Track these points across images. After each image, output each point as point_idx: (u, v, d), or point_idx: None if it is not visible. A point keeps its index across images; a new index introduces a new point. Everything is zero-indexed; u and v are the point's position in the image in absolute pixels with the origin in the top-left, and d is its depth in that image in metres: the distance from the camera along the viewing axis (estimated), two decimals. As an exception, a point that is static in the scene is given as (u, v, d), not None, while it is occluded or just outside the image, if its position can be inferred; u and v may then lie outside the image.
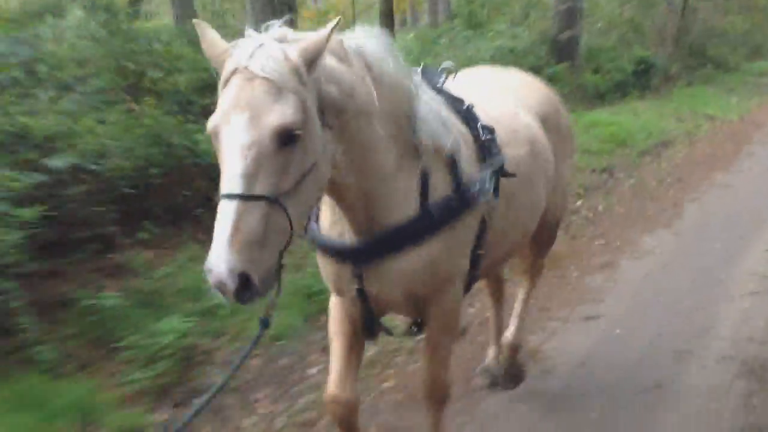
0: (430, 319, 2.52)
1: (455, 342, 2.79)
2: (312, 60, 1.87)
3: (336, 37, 2.05)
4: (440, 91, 2.53)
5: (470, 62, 12.06)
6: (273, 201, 1.78)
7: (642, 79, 14.18)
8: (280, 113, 1.78)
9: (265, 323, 2.02)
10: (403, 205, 2.22)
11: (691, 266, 5.34)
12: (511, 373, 3.62)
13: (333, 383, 2.52)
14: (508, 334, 3.62)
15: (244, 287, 1.74)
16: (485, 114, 2.60)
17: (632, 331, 4.26)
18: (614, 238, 6.08)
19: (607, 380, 3.71)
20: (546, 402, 3.58)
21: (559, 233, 6.15)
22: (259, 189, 1.76)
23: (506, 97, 3.02)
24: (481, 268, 2.63)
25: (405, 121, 2.22)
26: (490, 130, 2.52)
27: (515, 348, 3.61)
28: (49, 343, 3.46)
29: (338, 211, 2.26)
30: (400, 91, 2.22)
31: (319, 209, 2.41)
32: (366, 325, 2.49)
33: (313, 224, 2.41)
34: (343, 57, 2.08)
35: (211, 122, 1.84)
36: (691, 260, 5.49)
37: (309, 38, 1.89)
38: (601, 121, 10.72)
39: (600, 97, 13.16)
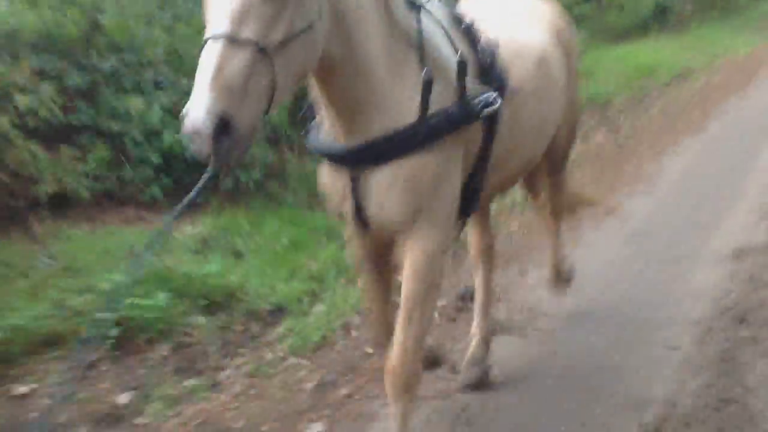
0: (406, 262, 2.26)
1: (432, 310, 2.36)
2: None
3: None
4: (440, 8, 2.44)
5: None
6: (260, 49, 1.71)
7: (659, 20, 15.46)
8: None
9: (215, 173, 1.82)
10: (400, 112, 2.13)
11: (718, 158, 6.89)
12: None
13: (374, 331, 2.50)
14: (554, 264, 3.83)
15: (223, 132, 1.65)
16: (492, 30, 2.53)
17: (679, 198, 5.83)
18: (655, 144, 7.57)
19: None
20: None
21: (610, 141, 7.65)
22: (247, 33, 1.70)
23: (518, 13, 2.99)
24: (488, 187, 2.55)
25: (409, 32, 2.17)
26: (493, 50, 2.43)
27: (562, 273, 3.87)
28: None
29: (333, 110, 2.16)
30: (409, 6, 2.20)
31: (319, 118, 2.32)
32: (364, 232, 2.37)
33: (313, 134, 2.34)
34: None
35: None
36: (718, 155, 7.04)
37: None
38: (628, 55, 12.09)
39: (623, 35, 14.44)
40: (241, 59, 1.67)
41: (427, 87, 2.12)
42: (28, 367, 3.14)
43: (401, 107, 2.13)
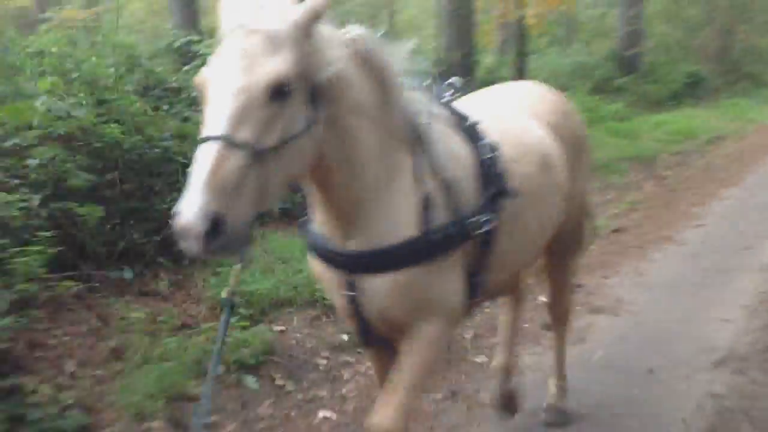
0: (404, 349, 2.33)
1: (424, 383, 2.44)
2: (313, 20, 1.87)
3: (354, 35, 2.07)
4: (445, 107, 2.46)
5: (553, 73, 14.88)
6: (255, 152, 1.74)
7: (692, 90, 17.00)
8: (276, 65, 1.78)
9: (230, 305, 2.04)
10: (398, 222, 2.16)
11: (756, 202, 8.20)
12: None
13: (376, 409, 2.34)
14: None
15: (215, 231, 1.67)
16: (493, 130, 2.51)
17: (725, 230, 7.11)
18: (700, 192, 8.88)
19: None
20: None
21: (658, 191, 8.95)
22: (243, 136, 1.73)
23: (517, 111, 2.93)
24: (485, 290, 2.53)
25: (405, 137, 2.19)
26: (494, 149, 2.41)
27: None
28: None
29: (327, 211, 2.20)
30: (409, 109, 2.19)
31: (312, 210, 2.33)
32: (361, 332, 2.41)
33: (309, 224, 2.36)
34: (353, 52, 2.06)
35: (203, 72, 1.83)
36: (755, 199, 8.36)
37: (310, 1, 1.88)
38: (666, 121, 13.56)
39: (658, 104, 15.96)
40: (235, 161, 1.70)
41: (426, 202, 2.15)
42: (275, 315, 4.51)
43: (399, 217, 2.15)
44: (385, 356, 2.55)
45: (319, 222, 2.28)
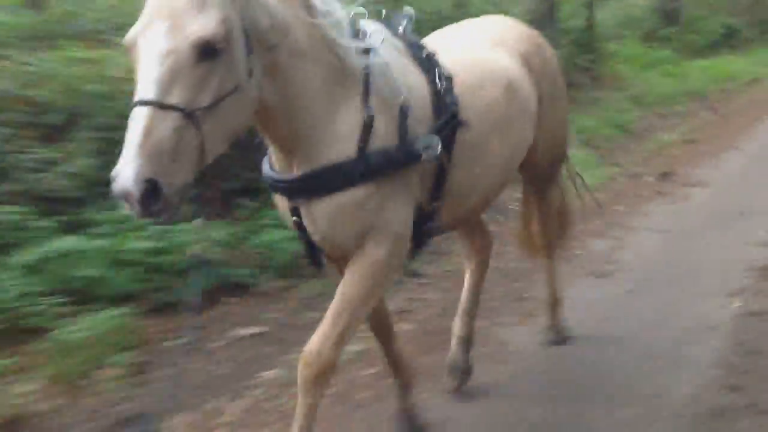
0: (347, 270, 2.35)
1: (364, 313, 2.42)
2: None
3: None
4: (402, 38, 2.51)
5: (601, 24, 16.57)
6: (187, 114, 1.74)
7: (728, 40, 18.79)
8: (202, 24, 1.76)
9: (200, 258, 2.12)
10: (339, 148, 2.19)
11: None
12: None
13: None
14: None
15: (151, 195, 1.69)
16: (455, 60, 2.59)
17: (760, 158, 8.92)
18: (747, 117, 10.83)
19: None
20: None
21: (710, 119, 10.85)
22: (174, 98, 1.73)
23: (484, 42, 2.99)
24: (446, 218, 2.60)
25: (353, 68, 2.21)
26: (449, 78, 2.47)
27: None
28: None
29: (272, 144, 2.27)
30: (356, 43, 2.22)
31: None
32: (309, 254, 2.47)
33: (264, 162, 2.42)
34: None
35: (130, 33, 1.82)
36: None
37: None
38: (708, 66, 15.41)
39: (699, 52, 17.76)
40: (168, 125, 1.71)
41: (367, 125, 2.18)
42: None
43: (341, 143, 2.18)
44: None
45: (271, 156, 2.36)
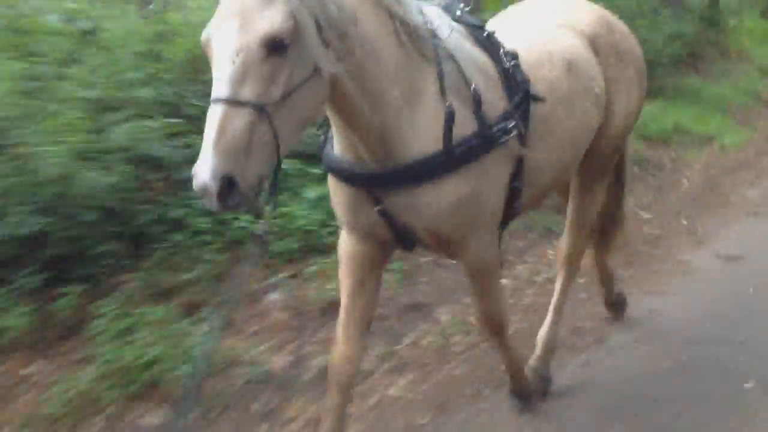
0: (463, 262, 2.61)
1: (498, 276, 2.79)
2: None
3: None
4: (460, 20, 2.53)
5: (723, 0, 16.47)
6: (259, 109, 1.81)
7: None
8: (269, 20, 1.83)
9: (261, 239, 2.25)
10: (423, 141, 2.24)
11: None
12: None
13: (337, 337, 2.64)
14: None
15: (228, 191, 1.79)
16: (516, 39, 2.64)
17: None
18: None
19: None
20: None
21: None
22: (245, 95, 1.81)
23: (546, 21, 3.00)
24: (525, 199, 2.65)
25: (425, 56, 2.25)
26: (513, 56, 2.51)
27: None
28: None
29: (351, 137, 2.25)
30: (424, 30, 2.26)
31: (331, 134, 2.41)
32: (399, 239, 2.50)
33: (328, 148, 2.44)
34: None
35: (204, 32, 1.91)
36: None
37: None
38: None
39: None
40: (241, 121, 1.79)
41: (449, 118, 2.22)
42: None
43: (424, 136, 2.24)
44: (362, 286, 2.64)
45: (341, 145, 2.35)
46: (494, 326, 2.85)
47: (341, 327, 2.68)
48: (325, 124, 2.46)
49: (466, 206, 2.35)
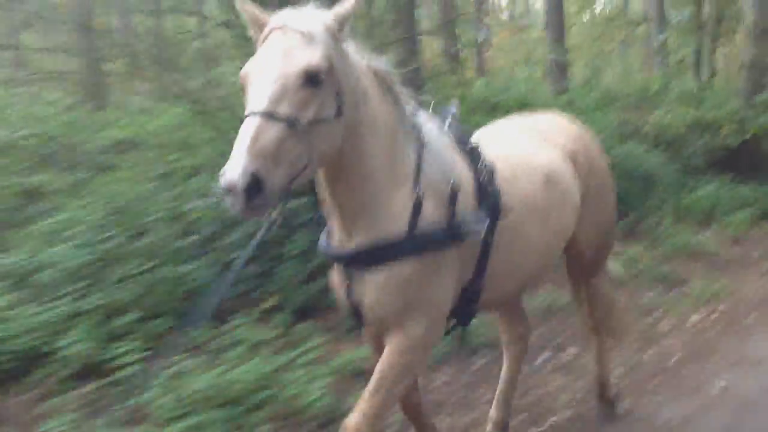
0: (388, 344, 2.51)
1: (401, 389, 2.56)
2: (343, 22, 2.24)
3: (374, 62, 2.46)
4: (449, 131, 2.75)
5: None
6: (291, 125, 2.04)
7: None
8: (309, 56, 2.14)
9: (272, 225, 2.45)
10: (393, 223, 2.42)
11: None
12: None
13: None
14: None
15: (255, 190, 1.95)
16: (496, 152, 2.83)
17: None
18: None
19: None
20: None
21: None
22: (281, 110, 2.05)
23: (530, 138, 3.23)
24: (486, 300, 2.78)
25: (410, 153, 2.49)
26: (491, 171, 2.71)
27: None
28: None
29: (337, 214, 2.48)
30: (416, 131, 2.53)
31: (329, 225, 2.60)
32: (355, 321, 2.66)
33: (323, 235, 2.67)
34: (372, 72, 2.46)
35: (245, 68, 2.17)
36: None
37: (341, 5, 2.25)
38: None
39: None
40: (274, 131, 2.03)
41: (417, 206, 2.43)
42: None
43: (394, 218, 2.44)
44: (380, 342, 2.69)
45: (329, 226, 2.61)
46: None
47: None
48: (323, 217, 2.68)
49: (412, 292, 2.46)
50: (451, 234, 2.50)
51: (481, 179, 2.68)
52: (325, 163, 2.32)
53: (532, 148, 3.15)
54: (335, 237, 2.57)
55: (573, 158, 3.29)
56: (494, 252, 2.70)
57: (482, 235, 2.59)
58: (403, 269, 2.43)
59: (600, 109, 9.78)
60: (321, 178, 2.44)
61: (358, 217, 2.45)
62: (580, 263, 3.58)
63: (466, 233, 2.53)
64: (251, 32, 2.32)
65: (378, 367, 2.52)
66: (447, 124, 2.82)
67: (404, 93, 2.56)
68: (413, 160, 2.51)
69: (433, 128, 2.65)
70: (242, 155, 1.97)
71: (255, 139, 2.00)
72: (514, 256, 2.83)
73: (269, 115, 2.04)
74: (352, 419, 2.47)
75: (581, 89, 11.59)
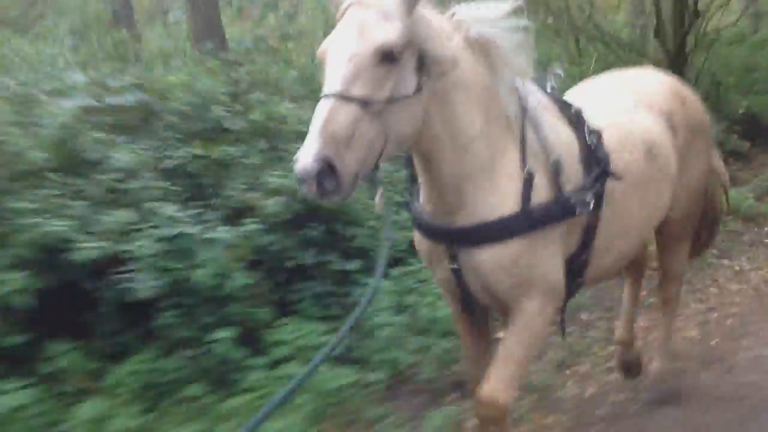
0: (509, 323, 2.52)
1: (528, 362, 2.63)
2: None
3: (462, 17, 2.29)
4: (550, 94, 2.60)
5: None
6: (364, 106, 1.98)
7: None
8: (385, 32, 2.05)
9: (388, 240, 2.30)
10: (500, 201, 2.31)
11: None
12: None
13: (473, 379, 2.70)
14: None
15: (327, 174, 1.92)
16: (598, 117, 2.66)
17: None
18: None
19: None
20: None
21: None
22: (355, 91, 1.99)
23: (625, 98, 3.03)
24: (588, 275, 2.70)
25: (511, 120, 2.35)
26: (598, 135, 2.57)
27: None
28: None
29: (431, 187, 2.38)
30: (516, 94, 2.37)
31: (417, 187, 2.50)
32: (464, 301, 2.60)
33: (414, 201, 2.54)
34: (460, 33, 2.27)
35: (322, 45, 2.13)
36: None
37: None
38: None
39: None
40: (347, 114, 1.96)
41: (527, 180, 2.31)
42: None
43: (503, 193, 2.32)
44: (476, 328, 2.75)
45: (424, 198, 2.47)
46: (493, 416, 2.50)
47: (477, 374, 2.69)
48: (412, 179, 2.57)
49: (525, 269, 2.38)
50: (565, 208, 2.41)
51: (589, 144, 2.55)
52: (407, 142, 2.23)
53: (631, 113, 2.97)
54: (434, 212, 2.45)
55: (671, 120, 3.10)
56: (600, 224, 2.60)
57: (590, 209, 2.47)
58: (515, 247, 2.35)
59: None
60: (415, 153, 2.36)
61: (460, 191, 2.34)
62: (667, 231, 3.35)
63: (580, 205, 2.43)
64: (331, 7, 2.24)
65: (503, 343, 2.53)
66: (549, 87, 2.68)
67: (502, 55, 2.33)
68: (516, 128, 2.38)
69: (535, 93, 2.50)
70: (314, 140, 1.94)
71: (327, 122, 1.96)
72: (617, 228, 2.72)
73: (342, 97, 1.99)
74: (487, 389, 2.47)
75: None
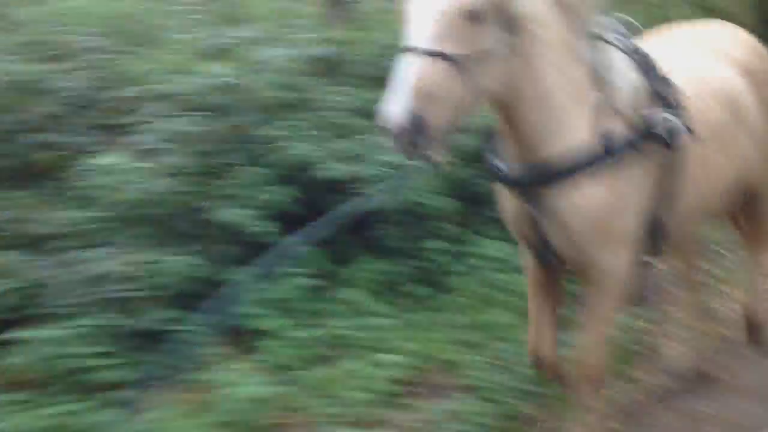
0: (591, 282, 2.53)
1: (614, 320, 2.70)
2: None
3: None
4: (624, 43, 2.55)
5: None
6: (453, 62, 1.99)
7: None
8: None
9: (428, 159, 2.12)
10: (575, 137, 2.33)
11: None
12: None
13: (531, 345, 2.77)
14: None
15: (417, 129, 1.93)
16: (674, 68, 2.62)
17: None
18: None
19: None
20: None
21: None
22: (443, 47, 2.00)
23: (704, 51, 2.97)
24: (668, 233, 2.63)
25: (591, 74, 2.36)
26: (673, 85, 2.54)
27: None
28: None
29: (513, 141, 2.38)
30: (593, 46, 2.37)
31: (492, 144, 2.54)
32: (540, 257, 2.60)
33: (491, 158, 2.54)
34: None
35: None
36: None
37: None
38: None
39: None
40: (435, 70, 1.97)
41: (607, 131, 2.32)
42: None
43: (579, 130, 2.33)
44: (547, 292, 2.75)
45: (504, 151, 2.47)
46: (591, 377, 2.62)
47: (534, 341, 2.78)
48: (488, 136, 2.63)
49: (606, 217, 2.38)
50: (643, 135, 2.39)
51: (662, 95, 2.51)
52: (491, 98, 2.27)
53: (708, 64, 2.92)
54: (515, 163, 2.44)
55: (749, 74, 3.01)
56: (680, 178, 2.55)
57: (680, 131, 2.44)
58: (597, 189, 2.34)
59: None
60: (492, 106, 2.36)
61: (539, 139, 2.34)
62: (754, 210, 3.30)
63: (660, 133, 2.41)
64: None
65: (589, 306, 2.59)
66: (622, 34, 2.61)
67: (581, 11, 2.38)
68: (592, 73, 2.39)
69: (611, 38, 2.48)
70: (405, 94, 1.95)
71: (416, 77, 1.97)
72: (697, 186, 2.65)
73: (431, 53, 2.00)
74: (586, 351, 2.60)
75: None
